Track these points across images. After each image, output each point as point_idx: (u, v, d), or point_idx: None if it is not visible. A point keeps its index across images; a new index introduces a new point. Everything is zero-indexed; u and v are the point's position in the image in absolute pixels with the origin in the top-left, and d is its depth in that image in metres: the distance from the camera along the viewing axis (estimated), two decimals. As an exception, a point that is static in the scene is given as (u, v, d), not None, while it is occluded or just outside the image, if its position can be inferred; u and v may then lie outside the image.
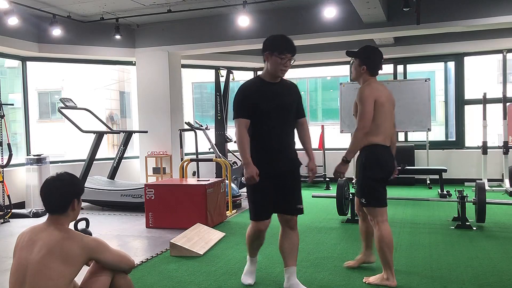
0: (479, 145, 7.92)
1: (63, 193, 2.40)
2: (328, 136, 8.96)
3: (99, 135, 7.21)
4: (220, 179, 6.04)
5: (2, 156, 6.41)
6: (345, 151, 3.50)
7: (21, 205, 7.05)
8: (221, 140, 8.21)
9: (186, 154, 8.00)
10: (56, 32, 7.07)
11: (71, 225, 2.71)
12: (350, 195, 5.52)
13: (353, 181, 8.28)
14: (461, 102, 8.76)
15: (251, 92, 3.15)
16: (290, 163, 3.34)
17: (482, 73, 10.67)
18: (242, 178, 7.40)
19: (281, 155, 3.24)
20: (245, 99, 3.16)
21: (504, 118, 7.75)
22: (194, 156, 7.44)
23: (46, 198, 2.41)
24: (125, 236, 5.28)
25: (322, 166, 8.68)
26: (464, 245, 4.40)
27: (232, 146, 8.42)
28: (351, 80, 3.87)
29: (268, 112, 3.12)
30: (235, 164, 7.59)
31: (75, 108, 7.14)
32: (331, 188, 8.12)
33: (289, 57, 3.13)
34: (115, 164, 7.53)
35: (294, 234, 3.41)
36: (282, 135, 3.22)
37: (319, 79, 14.21)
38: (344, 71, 9.71)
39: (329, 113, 13.65)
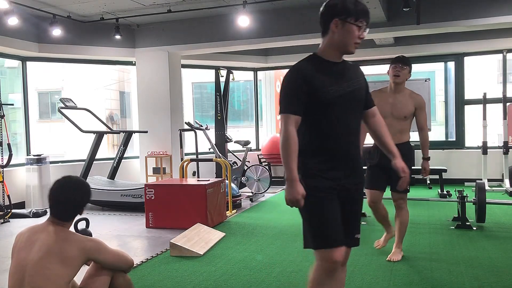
0: (479, 145, 7.92)
1: (74, 205, 2.45)
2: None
3: (99, 135, 7.21)
4: (220, 179, 6.04)
5: (2, 156, 6.41)
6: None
7: (21, 205, 7.05)
8: (221, 140, 8.21)
9: (186, 154, 8.00)
10: (56, 32, 7.06)
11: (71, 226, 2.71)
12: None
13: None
14: (461, 102, 8.76)
15: (307, 76, 2.25)
16: (356, 175, 2.36)
17: (482, 73, 10.67)
18: (242, 178, 7.43)
19: (347, 163, 2.30)
20: (300, 86, 2.24)
21: (504, 118, 7.75)
22: (194, 156, 7.44)
23: (55, 206, 2.41)
24: (125, 236, 5.28)
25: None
26: (464, 245, 4.40)
27: (232, 146, 8.42)
28: (395, 84, 3.90)
29: (333, 102, 2.25)
30: (235, 164, 7.60)
31: (75, 108, 7.14)
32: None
33: (365, 26, 2.34)
34: (115, 164, 7.53)
35: (344, 272, 2.57)
36: (350, 134, 2.31)
37: (319, 79, 14.19)
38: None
39: (329, 113, 13.65)
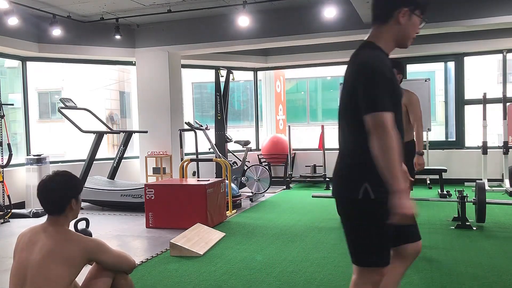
0: (479, 145, 7.92)
1: (59, 195, 2.37)
2: (328, 136, 8.96)
3: (99, 135, 7.21)
4: (220, 179, 6.04)
5: (2, 156, 6.41)
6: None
7: (21, 205, 7.05)
8: (221, 140, 8.21)
9: (186, 154, 8.00)
10: (56, 32, 7.07)
11: (71, 225, 2.71)
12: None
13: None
14: (461, 102, 8.76)
15: (391, 71, 1.98)
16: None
17: (482, 73, 10.67)
18: (242, 178, 7.43)
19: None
20: (390, 80, 1.94)
21: (504, 118, 7.75)
22: (194, 156, 7.44)
23: (43, 200, 2.39)
24: (125, 236, 5.28)
25: (322, 166, 8.69)
26: (464, 245, 4.40)
27: (232, 146, 8.42)
28: None
29: (400, 101, 2.04)
30: (235, 164, 7.60)
31: (75, 108, 7.14)
32: (331, 188, 8.11)
33: (424, 22, 2.15)
34: (115, 164, 7.53)
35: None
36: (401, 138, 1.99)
37: (319, 79, 14.22)
38: (344, 71, 9.70)
39: (329, 113, 13.64)
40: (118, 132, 8.79)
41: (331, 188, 2.19)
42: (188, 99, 11.28)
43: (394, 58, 4.04)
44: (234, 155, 8.25)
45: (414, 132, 4.22)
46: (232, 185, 6.64)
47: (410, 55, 8.79)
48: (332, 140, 9.61)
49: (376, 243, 1.99)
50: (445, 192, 7.02)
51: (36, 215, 6.36)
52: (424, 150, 8.28)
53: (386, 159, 1.82)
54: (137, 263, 4.08)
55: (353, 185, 1.96)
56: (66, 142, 10.38)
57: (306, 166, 9.13)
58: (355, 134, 1.97)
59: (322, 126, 8.83)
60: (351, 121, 1.99)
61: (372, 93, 1.87)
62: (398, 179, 1.81)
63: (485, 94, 7.90)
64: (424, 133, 8.44)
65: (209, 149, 7.78)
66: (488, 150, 7.75)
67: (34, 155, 7.09)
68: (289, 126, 8.95)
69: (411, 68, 9.29)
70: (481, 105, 7.90)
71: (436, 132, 9.41)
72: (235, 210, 6.40)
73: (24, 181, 7.07)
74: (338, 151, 2.10)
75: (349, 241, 2.08)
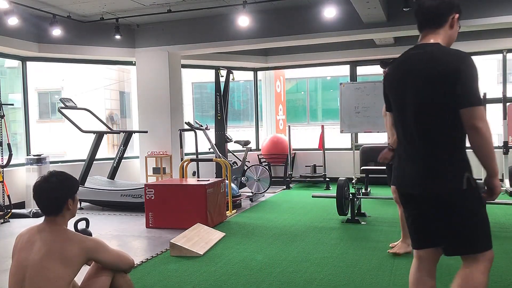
0: (479, 145, 7.89)
1: (55, 196, 2.37)
2: (328, 136, 8.97)
3: (99, 135, 7.21)
4: (220, 179, 6.04)
5: (2, 156, 6.41)
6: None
7: (21, 205, 7.05)
8: (221, 140, 8.21)
9: (186, 154, 8.00)
10: (56, 32, 7.07)
11: (71, 226, 2.71)
12: (350, 195, 5.52)
13: (353, 181, 8.28)
14: (461, 102, 8.74)
15: None
16: None
17: (482, 73, 10.66)
18: (242, 178, 7.43)
19: None
20: None
21: (504, 118, 7.75)
22: (194, 156, 7.44)
23: (39, 202, 2.38)
24: (125, 236, 5.28)
25: (322, 166, 8.69)
26: (464, 245, 4.40)
27: (232, 146, 8.42)
28: None
29: None
30: (235, 164, 7.60)
31: (75, 108, 7.14)
32: (331, 188, 8.12)
33: None
34: (115, 164, 7.53)
35: None
36: None
37: (319, 79, 14.24)
38: (344, 71, 9.72)
39: (329, 113, 13.67)
40: (118, 132, 8.80)
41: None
42: (188, 99, 11.29)
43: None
44: (234, 155, 8.25)
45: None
46: (232, 185, 6.64)
47: (410, 55, 8.79)
48: (332, 140, 9.62)
49: (488, 225, 2.16)
50: (445, 192, 7.00)
51: (36, 215, 6.36)
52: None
53: (489, 147, 2.10)
54: (137, 263, 4.08)
55: (457, 178, 2.12)
56: (66, 142, 10.39)
57: (306, 166, 9.13)
58: (451, 128, 2.07)
59: (322, 126, 8.82)
60: (447, 116, 2.05)
61: (476, 88, 2.02)
62: (495, 164, 2.18)
63: (485, 94, 7.88)
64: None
65: (209, 149, 7.78)
66: (488, 150, 7.73)
67: (34, 155, 7.09)
68: (289, 126, 8.95)
69: (411, 68, 9.27)
70: (481, 105, 7.89)
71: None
72: (235, 210, 6.40)
73: (24, 181, 7.07)
74: (414, 146, 2.15)
75: (467, 231, 2.11)
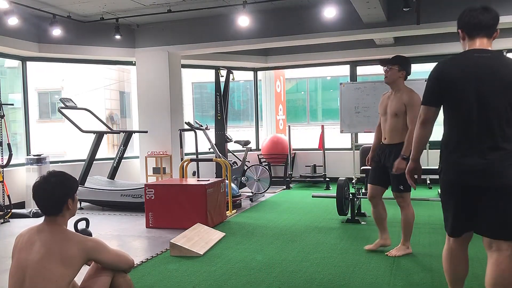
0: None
1: (55, 197, 2.36)
2: (328, 136, 8.97)
3: (99, 135, 7.22)
4: (220, 179, 6.04)
5: (2, 156, 6.41)
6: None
7: (21, 205, 7.05)
8: (221, 140, 8.21)
9: (186, 154, 8.00)
10: (56, 32, 7.07)
11: (71, 226, 2.71)
12: (350, 195, 5.52)
13: (353, 181, 8.27)
14: (461, 102, 8.75)
15: None
16: None
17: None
18: (242, 178, 7.43)
19: None
20: None
21: (504, 118, 7.74)
22: (194, 156, 7.44)
23: (39, 202, 2.38)
24: (125, 236, 5.28)
25: (322, 166, 8.69)
26: (464, 245, 4.40)
27: (232, 146, 8.43)
28: (388, 84, 4.17)
29: None
30: (235, 164, 7.60)
31: (75, 108, 7.15)
32: (331, 188, 8.12)
33: None
34: (115, 164, 7.53)
35: None
36: None
37: (319, 79, 14.24)
38: (344, 71, 9.71)
39: (329, 113, 13.67)
40: (118, 132, 8.80)
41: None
42: (188, 99, 11.29)
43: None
44: (234, 155, 8.25)
45: (407, 134, 3.81)
46: (232, 185, 6.64)
47: (410, 55, 8.79)
48: (332, 140, 9.62)
49: None
50: (445, 192, 7.00)
51: (36, 215, 6.36)
52: (423, 150, 8.36)
53: None
54: (137, 263, 4.08)
55: None
56: (66, 142, 10.39)
57: (306, 166, 9.13)
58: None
59: (322, 126, 8.83)
60: (510, 115, 2.36)
61: None
62: None
63: (485, 94, 7.89)
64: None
65: (209, 149, 7.78)
66: (488, 150, 7.73)
67: (34, 155, 7.09)
68: (289, 126, 8.95)
69: (411, 68, 9.28)
70: (481, 105, 7.88)
71: (436, 132, 9.39)
72: (235, 210, 6.40)
73: (24, 181, 7.07)
74: (489, 143, 2.37)
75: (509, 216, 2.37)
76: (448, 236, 2.63)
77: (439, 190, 2.81)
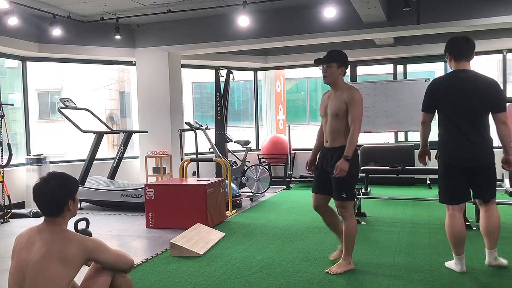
0: (479, 145, 7.90)
1: (56, 199, 2.37)
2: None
3: (99, 135, 7.21)
4: (220, 179, 6.04)
5: (2, 156, 6.41)
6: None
7: (21, 205, 7.05)
8: (221, 140, 8.21)
9: (186, 154, 8.00)
10: (56, 32, 7.07)
11: (71, 226, 2.71)
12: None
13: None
14: (461, 102, 8.75)
15: None
16: None
17: (482, 73, 10.66)
18: (242, 178, 7.43)
19: None
20: None
21: (504, 118, 7.75)
22: (194, 156, 7.44)
23: (40, 204, 2.39)
24: (125, 236, 5.28)
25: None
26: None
27: (232, 146, 8.42)
28: (328, 84, 3.76)
29: None
30: (235, 164, 7.60)
31: (75, 108, 7.15)
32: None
33: None
34: (115, 164, 7.53)
35: None
36: None
37: (319, 79, 14.20)
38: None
39: (329, 113, 13.64)
40: (118, 132, 8.80)
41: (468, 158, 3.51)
42: (188, 99, 11.29)
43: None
44: (234, 155, 8.25)
45: (350, 134, 3.54)
46: (232, 185, 6.64)
47: (410, 55, 8.80)
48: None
49: None
50: (445, 192, 7.00)
51: (36, 215, 6.36)
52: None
53: (510, 135, 3.60)
54: (137, 263, 4.08)
55: (491, 156, 3.70)
56: (66, 142, 10.38)
57: (306, 166, 9.11)
58: (486, 126, 3.57)
59: (322, 126, 8.81)
60: (486, 118, 3.54)
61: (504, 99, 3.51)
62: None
63: (485, 94, 7.89)
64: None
65: (209, 149, 7.78)
66: (488, 150, 7.73)
67: (34, 155, 7.09)
68: (289, 126, 8.95)
69: (411, 68, 9.28)
70: (481, 105, 7.89)
71: (436, 132, 9.39)
72: (235, 210, 6.40)
73: (24, 181, 7.07)
74: (465, 138, 3.52)
75: (492, 184, 3.76)
76: (448, 205, 3.59)
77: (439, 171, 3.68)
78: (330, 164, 3.65)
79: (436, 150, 3.66)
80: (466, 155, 3.51)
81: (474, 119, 3.48)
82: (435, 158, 3.70)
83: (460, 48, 3.76)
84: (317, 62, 3.74)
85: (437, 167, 3.70)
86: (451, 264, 3.72)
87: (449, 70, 3.98)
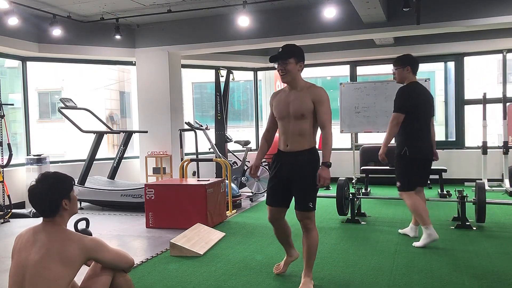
0: (479, 145, 7.92)
1: (49, 199, 2.36)
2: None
3: (99, 135, 7.21)
4: (220, 179, 6.04)
5: (2, 156, 6.41)
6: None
7: (21, 205, 7.05)
8: (221, 140, 8.21)
9: (186, 154, 8.00)
10: (56, 32, 7.07)
11: (71, 226, 2.71)
12: (350, 195, 5.52)
13: (353, 181, 8.26)
14: (461, 102, 8.76)
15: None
16: None
17: (482, 73, 10.67)
18: (242, 178, 7.43)
19: None
20: None
21: (504, 118, 7.75)
22: (194, 156, 7.44)
23: (34, 205, 2.40)
24: (125, 236, 5.28)
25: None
26: (464, 245, 4.40)
27: (232, 146, 8.42)
28: (286, 83, 3.38)
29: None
30: (235, 164, 7.59)
31: (75, 108, 7.14)
32: (331, 188, 8.12)
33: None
34: (115, 164, 7.53)
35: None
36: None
37: (319, 79, 14.22)
38: (344, 71, 9.71)
39: (329, 113, 13.63)
40: (118, 132, 8.80)
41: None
42: (188, 99, 11.28)
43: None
44: (234, 155, 8.25)
45: (321, 136, 3.29)
46: (232, 185, 6.64)
47: (410, 55, 8.78)
48: (332, 140, 9.59)
49: None
50: (445, 192, 7.02)
51: (36, 215, 6.35)
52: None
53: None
54: (137, 263, 4.08)
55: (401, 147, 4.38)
56: (66, 142, 10.37)
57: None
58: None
59: (322, 126, 8.80)
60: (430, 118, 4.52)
61: None
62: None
63: (485, 94, 7.90)
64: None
65: (209, 149, 7.78)
66: (488, 150, 7.75)
67: (34, 155, 7.10)
68: (289, 126, 8.92)
69: (411, 68, 9.28)
70: (481, 105, 7.90)
71: (436, 132, 9.39)
72: (235, 210, 6.40)
73: (24, 181, 7.07)
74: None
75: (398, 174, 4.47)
76: (412, 191, 4.40)
77: (408, 166, 4.34)
78: (295, 170, 3.24)
79: (399, 147, 4.36)
80: (428, 149, 4.39)
81: (428, 121, 4.42)
82: (401, 154, 4.33)
83: (418, 64, 4.48)
84: (273, 59, 3.29)
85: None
86: (425, 239, 4.30)
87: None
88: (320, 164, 3.21)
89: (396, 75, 4.46)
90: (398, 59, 4.47)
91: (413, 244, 4.39)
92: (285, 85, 3.37)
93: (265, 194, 3.33)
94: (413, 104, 4.26)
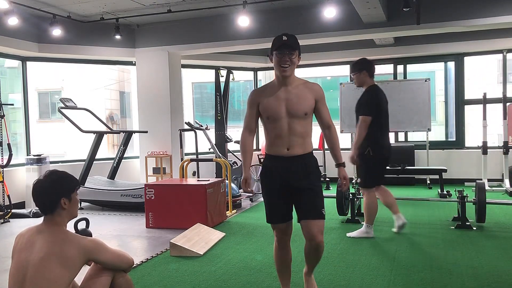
0: (479, 145, 7.92)
1: (48, 196, 2.37)
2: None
3: (99, 135, 7.21)
4: (220, 179, 6.04)
5: (2, 156, 6.41)
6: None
7: (21, 205, 7.05)
8: (221, 140, 8.21)
9: (186, 154, 8.00)
10: (56, 32, 7.07)
11: (71, 226, 2.71)
12: (350, 195, 5.52)
13: (353, 181, 8.27)
14: (461, 102, 8.76)
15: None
16: None
17: (482, 73, 10.67)
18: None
19: None
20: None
21: (504, 118, 7.75)
22: (194, 156, 7.44)
23: (35, 200, 2.41)
24: (125, 236, 5.28)
25: (322, 166, 8.68)
26: (464, 245, 4.40)
27: (232, 146, 8.42)
28: (284, 77, 2.85)
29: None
30: (235, 164, 7.59)
31: (75, 108, 7.14)
32: (331, 188, 8.12)
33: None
34: (115, 164, 7.53)
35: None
36: None
37: (319, 79, 14.21)
38: (344, 71, 9.71)
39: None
40: (118, 132, 8.80)
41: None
42: (188, 99, 11.27)
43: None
44: (234, 155, 8.25)
45: (329, 136, 3.01)
46: (232, 185, 6.64)
47: (410, 55, 8.80)
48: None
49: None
50: (445, 192, 7.02)
51: (36, 215, 6.36)
52: (423, 150, 8.36)
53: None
54: (137, 263, 4.08)
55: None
56: (66, 142, 10.37)
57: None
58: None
59: (322, 126, 8.80)
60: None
61: None
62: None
63: (485, 94, 7.90)
64: (424, 133, 8.44)
65: (209, 149, 7.78)
66: (488, 150, 7.75)
67: (34, 155, 7.09)
68: (289, 126, 8.92)
69: (411, 68, 9.29)
70: (481, 105, 7.90)
71: (436, 132, 9.41)
72: (235, 210, 6.40)
73: (24, 181, 7.07)
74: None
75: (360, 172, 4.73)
76: (372, 188, 4.69)
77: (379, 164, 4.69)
78: (300, 177, 2.86)
79: (362, 147, 4.53)
80: (388, 149, 4.69)
81: (387, 121, 4.73)
82: (364, 154, 4.54)
83: (373, 67, 4.69)
84: (284, 47, 2.79)
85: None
86: (361, 232, 4.78)
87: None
88: (337, 166, 3.00)
89: (354, 80, 4.75)
90: (354, 64, 4.74)
91: (347, 234, 4.82)
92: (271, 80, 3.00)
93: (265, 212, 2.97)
94: (378, 107, 4.55)
